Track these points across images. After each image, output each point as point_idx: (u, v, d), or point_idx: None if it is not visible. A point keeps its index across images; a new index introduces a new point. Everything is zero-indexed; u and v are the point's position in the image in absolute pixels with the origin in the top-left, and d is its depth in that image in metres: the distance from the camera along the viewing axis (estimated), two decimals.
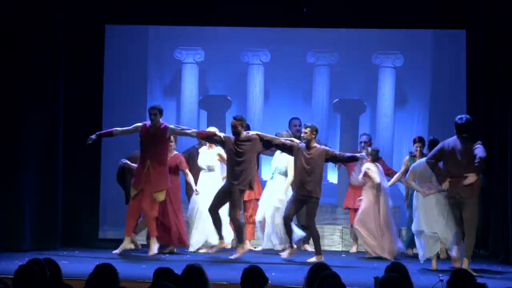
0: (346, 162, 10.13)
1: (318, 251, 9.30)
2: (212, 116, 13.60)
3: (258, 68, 13.64)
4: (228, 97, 13.76)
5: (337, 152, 9.66)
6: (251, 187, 9.50)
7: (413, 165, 9.24)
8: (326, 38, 13.09)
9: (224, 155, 9.86)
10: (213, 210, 9.44)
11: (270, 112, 13.62)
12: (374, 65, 13.45)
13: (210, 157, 10.10)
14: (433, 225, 8.71)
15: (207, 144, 10.07)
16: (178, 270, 4.86)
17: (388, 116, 13.36)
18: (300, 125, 10.66)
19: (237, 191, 9.32)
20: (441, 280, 5.52)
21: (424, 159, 8.90)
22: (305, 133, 9.26)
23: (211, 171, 10.11)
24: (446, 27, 11.42)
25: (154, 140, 9.45)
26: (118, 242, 11.04)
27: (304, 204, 9.33)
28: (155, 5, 10.99)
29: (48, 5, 10.09)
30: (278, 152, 10.00)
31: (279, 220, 9.89)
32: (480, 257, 10.09)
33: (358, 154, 9.74)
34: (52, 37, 10.13)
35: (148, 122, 9.56)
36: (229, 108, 13.80)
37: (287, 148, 9.41)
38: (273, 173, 10.19)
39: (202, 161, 10.14)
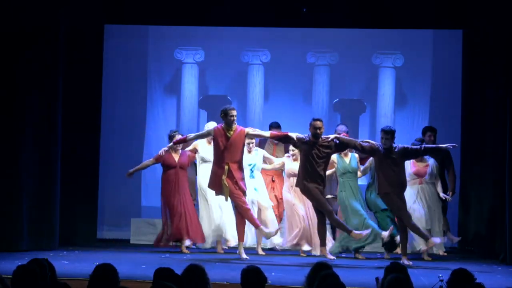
0: None
1: None
2: (212, 116, 13.56)
3: (258, 68, 13.62)
4: (228, 97, 13.74)
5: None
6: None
7: None
8: (326, 38, 13.08)
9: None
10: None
11: (270, 112, 13.59)
12: (374, 65, 13.43)
13: None
14: None
15: None
16: (178, 270, 4.86)
17: (388, 116, 13.33)
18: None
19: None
20: (441, 280, 5.51)
21: None
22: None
23: None
24: (445, 27, 11.42)
25: (233, 143, 9.20)
26: (116, 242, 11.08)
27: None
28: (155, 5, 10.98)
29: (48, 5, 10.08)
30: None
31: None
32: (480, 257, 10.10)
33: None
34: (51, 37, 10.12)
35: (220, 125, 9.36)
36: None
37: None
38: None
39: None
